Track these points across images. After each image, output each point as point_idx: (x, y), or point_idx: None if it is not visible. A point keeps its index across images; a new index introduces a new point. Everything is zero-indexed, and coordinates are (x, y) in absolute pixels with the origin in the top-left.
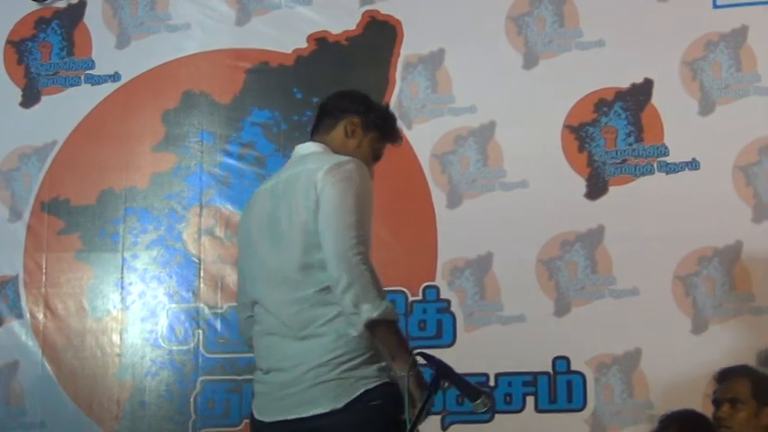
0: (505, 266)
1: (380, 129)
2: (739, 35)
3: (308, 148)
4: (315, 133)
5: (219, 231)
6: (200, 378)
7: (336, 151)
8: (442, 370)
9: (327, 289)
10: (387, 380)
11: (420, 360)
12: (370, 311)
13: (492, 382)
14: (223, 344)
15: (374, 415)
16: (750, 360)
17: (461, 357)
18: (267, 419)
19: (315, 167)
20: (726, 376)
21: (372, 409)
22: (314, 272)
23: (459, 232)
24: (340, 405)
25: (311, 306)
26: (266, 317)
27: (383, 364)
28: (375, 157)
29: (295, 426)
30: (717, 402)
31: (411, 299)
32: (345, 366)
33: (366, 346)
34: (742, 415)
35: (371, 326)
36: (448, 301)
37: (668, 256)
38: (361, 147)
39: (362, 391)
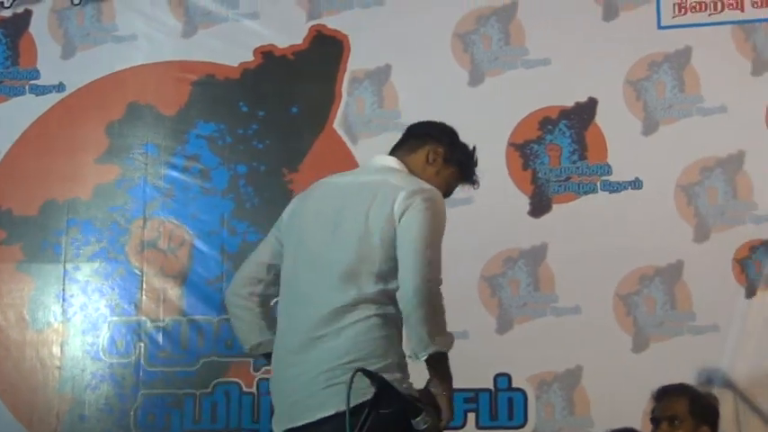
0: (448, 282)
1: (461, 165)
2: (683, 56)
3: (388, 161)
4: (397, 150)
5: (163, 244)
6: (141, 391)
7: (414, 173)
8: (383, 387)
9: (365, 299)
10: (399, 390)
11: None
12: (443, 345)
13: None
14: (164, 357)
15: (381, 422)
16: (689, 379)
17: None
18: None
19: (397, 184)
20: (664, 394)
21: (381, 416)
22: (359, 280)
23: None
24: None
25: (342, 308)
26: (294, 302)
27: (398, 375)
28: (446, 192)
29: None
30: (655, 420)
31: None
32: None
33: (383, 354)
34: None
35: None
36: None
37: (610, 274)
38: (438, 176)
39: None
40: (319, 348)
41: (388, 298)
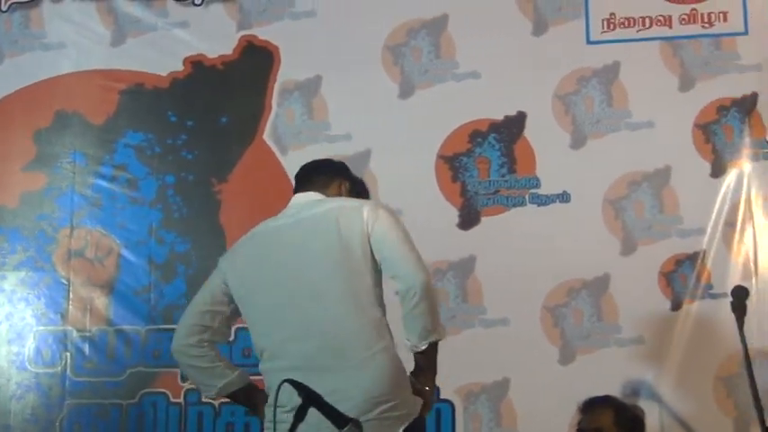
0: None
1: (360, 195)
2: (611, 71)
3: (317, 196)
4: (308, 188)
5: (90, 253)
6: (67, 402)
7: None
8: (311, 397)
9: (376, 321)
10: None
11: (289, 388)
12: (441, 334)
13: None
14: (91, 368)
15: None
16: (615, 391)
17: None
18: None
19: (353, 205)
20: (590, 406)
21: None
22: (359, 299)
23: None
24: None
25: (358, 336)
26: (295, 351)
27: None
28: None
29: None
30: None
31: None
32: (385, 407)
33: (403, 385)
34: None
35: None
36: None
37: (538, 286)
38: None
39: None
40: (344, 378)
41: (383, 307)
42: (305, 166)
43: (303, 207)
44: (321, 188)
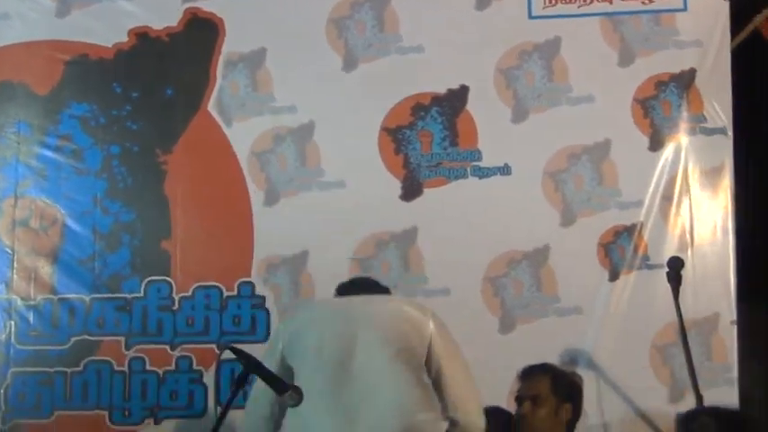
0: (321, 264)
1: None
2: (552, 46)
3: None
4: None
5: (34, 223)
6: (11, 370)
7: None
8: (251, 365)
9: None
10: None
11: (230, 355)
12: None
13: None
14: (35, 336)
15: None
16: (554, 359)
17: None
18: None
19: (413, 312)
20: (528, 374)
21: None
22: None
23: (275, 230)
24: None
25: None
26: None
27: None
28: None
29: None
30: (519, 400)
31: (226, 294)
32: None
33: None
34: (542, 411)
35: None
36: (263, 298)
37: (478, 257)
38: None
39: None
40: None
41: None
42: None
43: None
44: None
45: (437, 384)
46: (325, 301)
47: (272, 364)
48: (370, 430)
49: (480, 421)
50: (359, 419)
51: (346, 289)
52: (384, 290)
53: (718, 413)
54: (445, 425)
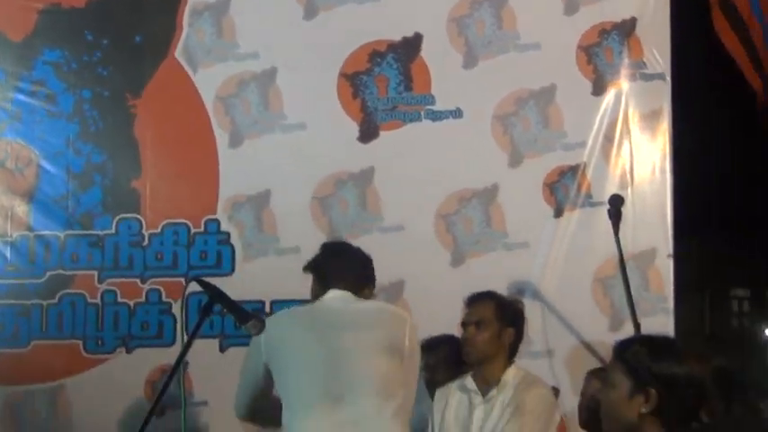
0: (282, 202)
1: None
2: None
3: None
4: (341, 285)
5: (10, 164)
6: None
7: None
8: (216, 295)
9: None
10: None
11: (197, 287)
12: None
13: (268, 309)
14: (12, 271)
15: None
16: (503, 291)
17: (239, 285)
18: None
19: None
20: (473, 301)
21: None
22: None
23: (239, 170)
24: None
25: None
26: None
27: None
28: None
29: None
30: (464, 325)
31: (193, 231)
32: None
33: None
34: (485, 335)
35: None
36: (228, 234)
37: (432, 196)
38: None
39: None
40: None
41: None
42: (336, 258)
43: (349, 303)
44: (353, 290)
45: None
46: (305, 309)
47: (257, 367)
48: (357, 410)
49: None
50: (346, 404)
51: (325, 259)
52: (362, 257)
53: (651, 341)
54: None
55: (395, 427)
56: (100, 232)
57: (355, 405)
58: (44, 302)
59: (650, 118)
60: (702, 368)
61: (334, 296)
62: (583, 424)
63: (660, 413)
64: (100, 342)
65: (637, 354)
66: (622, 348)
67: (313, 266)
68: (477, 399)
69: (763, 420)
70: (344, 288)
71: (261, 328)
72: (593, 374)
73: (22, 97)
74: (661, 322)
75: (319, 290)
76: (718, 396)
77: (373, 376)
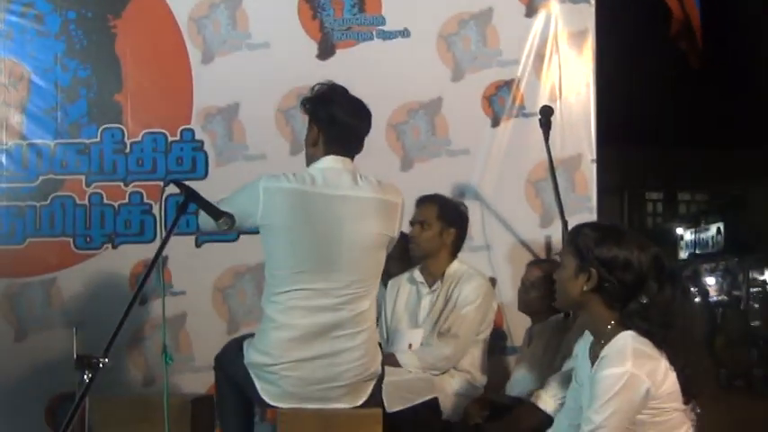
0: (250, 114)
1: None
2: None
3: (350, 166)
4: (344, 153)
5: (3, 79)
6: None
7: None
8: (191, 195)
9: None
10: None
11: (174, 189)
12: None
13: None
14: (8, 176)
15: None
16: (446, 192)
17: (213, 187)
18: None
19: (391, 201)
20: (420, 203)
21: None
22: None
23: (211, 84)
24: None
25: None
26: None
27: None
28: None
29: None
30: (411, 223)
31: (170, 139)
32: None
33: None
34: (428, 234)
35: None
36: (201, 142)
37: (383, 108)
38: None
39: None
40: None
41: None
42: (350, 127)
43: (342, 180)
44: (353, 153)
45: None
46: (310, 185)
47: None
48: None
49: None
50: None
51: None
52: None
53: (598, 227)
54: None
55: (369, 316)
56: (86, 140)
57: (335, 297)
58: (37, 204)
59: (577, 37)
60: (642, 254)
61: (331, 167)
62: (521, 308)
63: (600, 291)
64: (88, 239)
65: (584, 238)
66: (574, 233)
67: (329, 114)
68: (425, 290)
69: (690, 300)
70: (345, 154)
71: (231, 223)
72: (533, 264)
73: (13, 18)
74: (585, 219)
75: (323, 143)
76: (654, 278)
77: (358, 266)
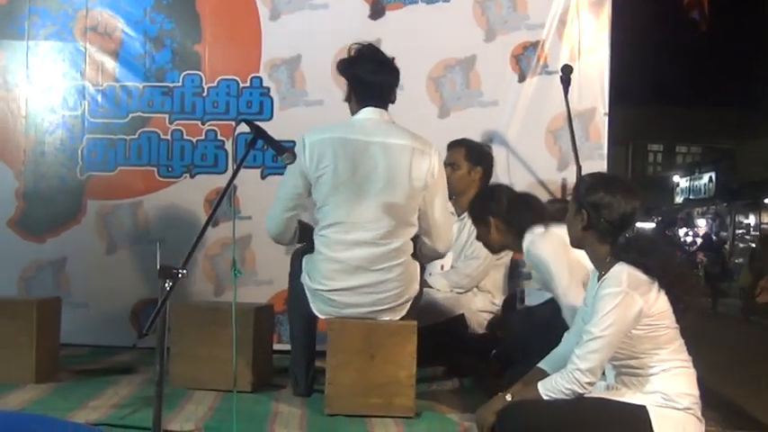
0: (310, 65)
1: None
2: None
3: (386, 117)
4: (379, 104)
5: (101, 29)
6: (86, 136)
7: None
8: (260, 133)
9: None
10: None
11: (244, 128)
12: None
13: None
14: (103, 112)
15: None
16: (478, 138)
17: (277, 128)
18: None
19: (420, 149)
20: (450, 147)
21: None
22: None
23: (277, 38)
24: None
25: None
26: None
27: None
28: None
29: None
30: (444, 165)
31: (241, 85)
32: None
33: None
34: (458, 174)
35: None
36: (268, 88)
37: (424, 63)
38: None
39: None
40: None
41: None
42: (377, 78)
43: (380, 129)
44: (385, 103)
45: (422, 209)
46: (350, 132)
47: (296, 177)
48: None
49: (443, 249)
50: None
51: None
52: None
53: (593, 177)
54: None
55: (404, 249)
56: (170, 84)
57: (369, 230)
58: (127, 137)
59: (596, 5)
60: (625, 197)
61: (369, 117)
62: None
63: (593, 229)
64: (170, 169)
65: (581, 184)
66: (577, 181)
67: (357, 74)
68: (454, 218)
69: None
70: (377, 105)
71: (293, 158)
72: (549, 203)
73: None
74: (597, 165)
75: (357, 99)
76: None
77: (389, 203)
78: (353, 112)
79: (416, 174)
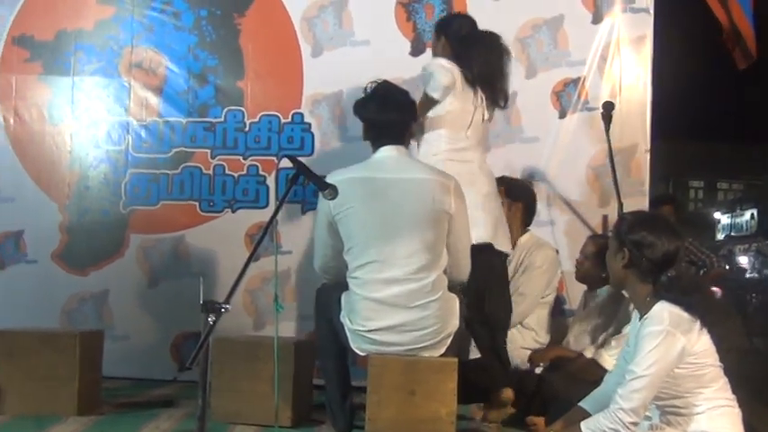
0: (349, 100)
1: None
2: None
3: (403, 152)
4: (393, 141)
5: (145, 65)
6: (129, 171)
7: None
8: (302, 169)
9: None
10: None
11: (285, 163)
12: None
13: None
14: (146, 147)
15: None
16: (518, 174)
17: (318, 164)
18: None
19: (440, 182)
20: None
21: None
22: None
23: (319, 75)
24: None
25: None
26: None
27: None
28: None
29: None
30: None
31: (283, 121)
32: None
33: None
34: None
35: None
36: (309, 124)
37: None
38: None
39: None
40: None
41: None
42: (383, 117)
43: (400, 166)
44: (400, 140)
45: (448, 241)
46: (369, 172)
47: (324, 226)
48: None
49: (465, 278)
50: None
51: (375, 112)
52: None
53: (635, 216)
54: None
55: (438, 285)
56: (213, 120)
57: (402, 267)
58: (170, 172)
59: (636, 42)
60: (669, 237)
61: (388, 155)
62: (578, 277)
63: (634, 268)
64: (211, 203)
65: (623, 224)
66: (618, 220)
67: (364, 116)
68: None
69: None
70: (393, 143)
71: (335, 194)
72: (591, 239)
73: (154, 14)
74: (638, 202)
75: (371, 139)
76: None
77: (418, 237)
78: (373, 150)
79: (441, 206)
